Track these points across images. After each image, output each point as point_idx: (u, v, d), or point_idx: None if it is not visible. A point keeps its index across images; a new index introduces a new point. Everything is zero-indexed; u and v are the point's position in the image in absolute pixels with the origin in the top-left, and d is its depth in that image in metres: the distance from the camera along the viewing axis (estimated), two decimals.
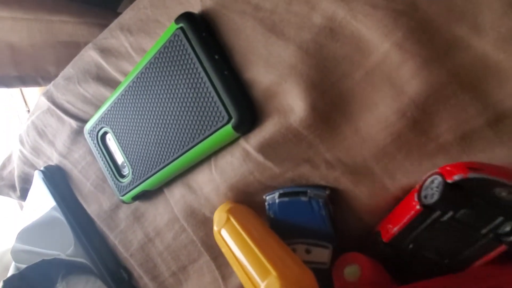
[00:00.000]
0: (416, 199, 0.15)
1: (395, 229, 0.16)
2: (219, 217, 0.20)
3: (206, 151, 0.22)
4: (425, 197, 0.14)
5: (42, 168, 0.36)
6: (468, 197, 0.13)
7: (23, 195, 0.44)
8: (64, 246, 0.36)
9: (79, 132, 0.32)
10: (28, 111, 0.86)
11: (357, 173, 0.18)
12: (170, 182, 0.26)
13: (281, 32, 0.18)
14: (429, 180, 0.15)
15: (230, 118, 0.20)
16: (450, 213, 0.14)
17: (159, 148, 0.24)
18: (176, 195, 0.26)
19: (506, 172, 0.13)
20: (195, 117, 0.21)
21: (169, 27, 0.21)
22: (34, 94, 0.83)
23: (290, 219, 0.19)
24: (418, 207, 0.14)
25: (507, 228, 0.14)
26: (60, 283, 0.41)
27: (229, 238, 0.18)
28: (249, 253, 0.16)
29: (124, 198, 0.29)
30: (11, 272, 0.43)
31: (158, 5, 0.24)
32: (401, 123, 0.16)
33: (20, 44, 0.63)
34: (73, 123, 0.32)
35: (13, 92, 0.84)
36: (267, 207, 0.20)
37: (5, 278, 0.41)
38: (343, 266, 0.17)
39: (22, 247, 0.44)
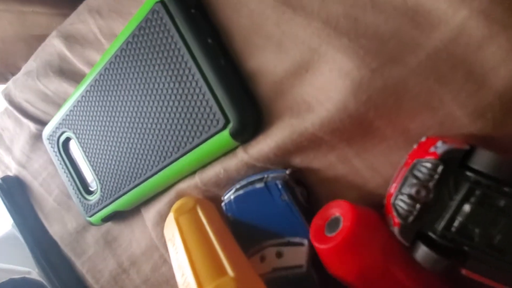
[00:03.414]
0: None
1: None
2: (182, 203, 0.17)
3: (194, 164, 0.17)
4: None
5: None
6: None
7: None
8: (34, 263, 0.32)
9: (38, 137, 0.27)
10: None
11: None
12: (148, 200, 0.21)
13: (300, 5, 0.13)
14: None
15: (227, 122, 0.15)
16: None
17: (134, 160, 0.19)
18: (155, 217, 0.20)
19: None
20: (181, 120, 0.16)
21: (146, 2, 0.16)
22: None
23: (251, 218, 0.16)
24: None
25: None
26: None
27: (188, 226, 0.16)
28: (208, 248, 0.14)
29: (91, 219, 0.23)
30: None
31: None
32: (476, 126, 0.11)
33: None
34: (32, 126, 0.27)
35: None
36: (224, 208, 0.16)
37: None
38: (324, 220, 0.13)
39: None
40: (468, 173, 0.11)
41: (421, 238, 0.11)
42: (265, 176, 0.15)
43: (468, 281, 0.12)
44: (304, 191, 0.15)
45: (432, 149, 0.11)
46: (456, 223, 0.11)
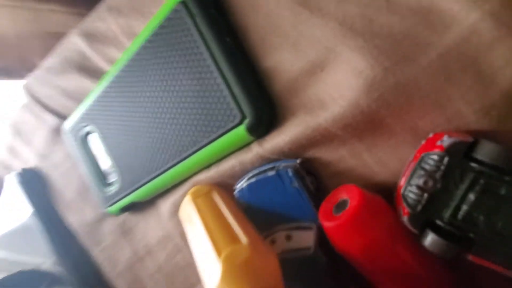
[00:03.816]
0: None
1: None
2: (198, 188, 0.18)
3: (211, 158, 0.18)
4: None
5: (17, 171, 0.32)
6: None
7: None
8: (49, 253, 0.33)
9: (58, 131, 0.28)
10: None
11: None
12: (165, 192, 0.22)
13: (317, 6, 0.14)
14: None
15: (243, 117, 0.15)
16: None
17: (153, 153, 0.20)
18: (171, 208, 0.21)
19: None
20: (199, 116, 0.17)
21: (167, 2, 0.17)
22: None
23: (263, 204, 0.17)
24: None
25: None
26: None
27: (205, 206, 0.17)
28: (223, 223, 0.15)
29: (110, 209, 0.24)
30: None
31: None
32: (482, 123, 0.12)
33: (4, 32, 0.57)
34: (52, 120, 0.28)
35: None
36: (237, 196, 0.17)
37: None
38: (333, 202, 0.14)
39: None
40: (473, 164, 0.11)
41: (429, 227, 0.12)
42: (277, 165, 0.15)
43: (471, 270, 0.13)
44: (314, 180, 0.16)
45: (438, 143, 0.12)
46: (462, 211, 0.11)
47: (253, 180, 0.16)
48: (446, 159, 0.11)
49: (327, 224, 0.13)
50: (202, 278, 0.13)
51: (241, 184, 0.16)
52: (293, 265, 0.14)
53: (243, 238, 0.13)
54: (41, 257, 0.33)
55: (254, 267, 0.12)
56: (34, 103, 0.29)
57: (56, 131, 0.28)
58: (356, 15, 0.13)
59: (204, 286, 0.13)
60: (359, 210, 0.12)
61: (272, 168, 0.15)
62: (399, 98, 0.13)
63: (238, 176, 0.18)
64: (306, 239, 0.15)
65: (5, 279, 0.36)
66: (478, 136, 0.12)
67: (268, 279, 0.12)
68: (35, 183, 0.32)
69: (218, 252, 0.13)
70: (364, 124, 0.13)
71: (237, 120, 0.16)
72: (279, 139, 0.15)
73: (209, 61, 0.16)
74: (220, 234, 0.14)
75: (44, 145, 0.30)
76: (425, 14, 0.12)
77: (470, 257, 0.11)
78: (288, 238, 0.15)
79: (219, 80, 0.16)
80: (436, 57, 0.12)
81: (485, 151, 0.11)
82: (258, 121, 0.15)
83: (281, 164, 0.15)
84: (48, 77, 0.28)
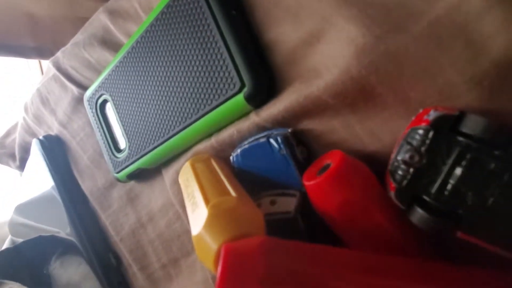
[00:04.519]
0: None
1: None
2: (198, 156, 0.20)
3: (212, 125, 0.19)
4: None
5: (40, 137, 0.35)
6: None
7: (22, 165, 0.43)
8: (64, 224, 0.35)
9: (80, 100, 0.30)
10: None
11: None
12: (169, 161, 0.23)
13: None
14: None
15: (243, 86, 0.16)
16: None
17: (159, 121, 0.21)
18: (173, 175, 0.23)
19: None
20: (202, 84, 0.18)
21: None
22: None
23: (254, 170, 0.17)
24: None
25: None
26: (54, 262, 0.40)
27: (201, 169, 0.18)
28: (216, 181, 0.16)
29: (118, 175, 0.26)
30: (6, 245, 0.42)
31: None
32: (473, 94, 0.12)
33: (40, 14, 0.61)
34: (75, 90, 0.30)
35: (31, 65, 0.84)
36: (231, 161, 0.18)
37: None
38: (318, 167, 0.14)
39: (20, 220, 0.43)
40: (459, 138, 0.11)
41: (417, 202, 0.12)
42: (269, 133, 0.16)
43: (458, 246, 0.13)
44: (305, 151, 0.16)
45: (425, 117, 0.12)
46: (449, 186, 0.11)
47: (246, 146, 0.17)
48: (431, 133, 0.11)
49: (307, 183, 0.13)
50: (191, 228, 0.14)
51: (237, 150, 0.17)
52: (274, 227, 0.15)
53: (232, 192, 0.14)
54: (58, 227, 0.36)
55: (239, 215, 0.12)
56: (60, 74, 0.32)
57: (78, 101, 0.30)
58: None
59: (192, 233, 0.13)
60: (338, 169, 0.13)
61: (264, 136, 0.16)
62: (390, 65, 0.13)
63: (236, 144, 0.18)
64: (288, 204, 0.15)
65: (27, 241, 0.38)
66: (471, 109, 0.12)
67: (251, 227, 0.12)
68: (55, 149, 0.34)
69: (207, 203, 0.14)
70: (355, 92, 0.14)
71: (236, 88, 0.16)
72: (275, 108, 0.16)
73: (215, 31, 0.17)
74: (211, 190, 0.15)
75: (66, 113, 0.32)
76: None
77: (460, 234, 0.11)
78: (273, 203, 0.16)
79: (223, 49, 0.17)
80: (427, 25, 0.12)
81: (472, 124, 0.11)
82: (256, 90, 0.16)
83: (273, 132, 0.16)
84: (74, 50, 0.30)
